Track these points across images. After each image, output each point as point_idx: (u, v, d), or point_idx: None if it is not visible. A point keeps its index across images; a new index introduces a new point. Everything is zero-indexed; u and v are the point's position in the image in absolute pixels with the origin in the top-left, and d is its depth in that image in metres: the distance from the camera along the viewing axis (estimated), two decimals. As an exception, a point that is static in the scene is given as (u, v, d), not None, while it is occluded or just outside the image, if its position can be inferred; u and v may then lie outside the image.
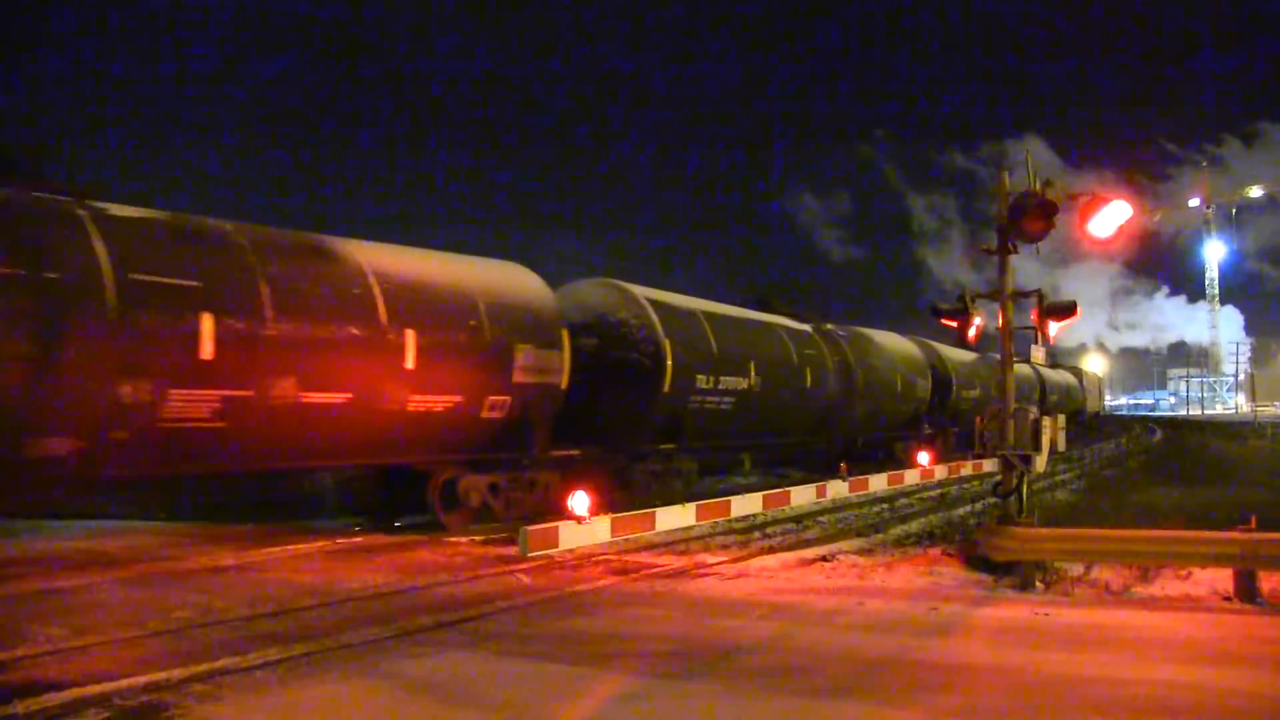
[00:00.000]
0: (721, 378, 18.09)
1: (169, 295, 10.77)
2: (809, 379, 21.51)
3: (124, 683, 6.34)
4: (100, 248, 10.43)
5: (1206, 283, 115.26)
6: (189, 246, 11.44)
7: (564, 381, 15.23)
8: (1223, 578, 9.38)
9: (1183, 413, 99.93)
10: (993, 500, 11.61)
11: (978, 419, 11.14)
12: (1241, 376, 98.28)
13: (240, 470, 12.84)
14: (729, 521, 14.76)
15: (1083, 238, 10.63)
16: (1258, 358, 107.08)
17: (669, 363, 16.57)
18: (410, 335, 12.95)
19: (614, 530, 12.55)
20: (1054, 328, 11.09)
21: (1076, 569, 10.16)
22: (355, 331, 12.39)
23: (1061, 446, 11.61)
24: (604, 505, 12.83)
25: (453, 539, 13.48)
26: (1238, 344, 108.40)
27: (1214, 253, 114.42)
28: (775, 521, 15.38)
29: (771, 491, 16.22)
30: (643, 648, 7.47)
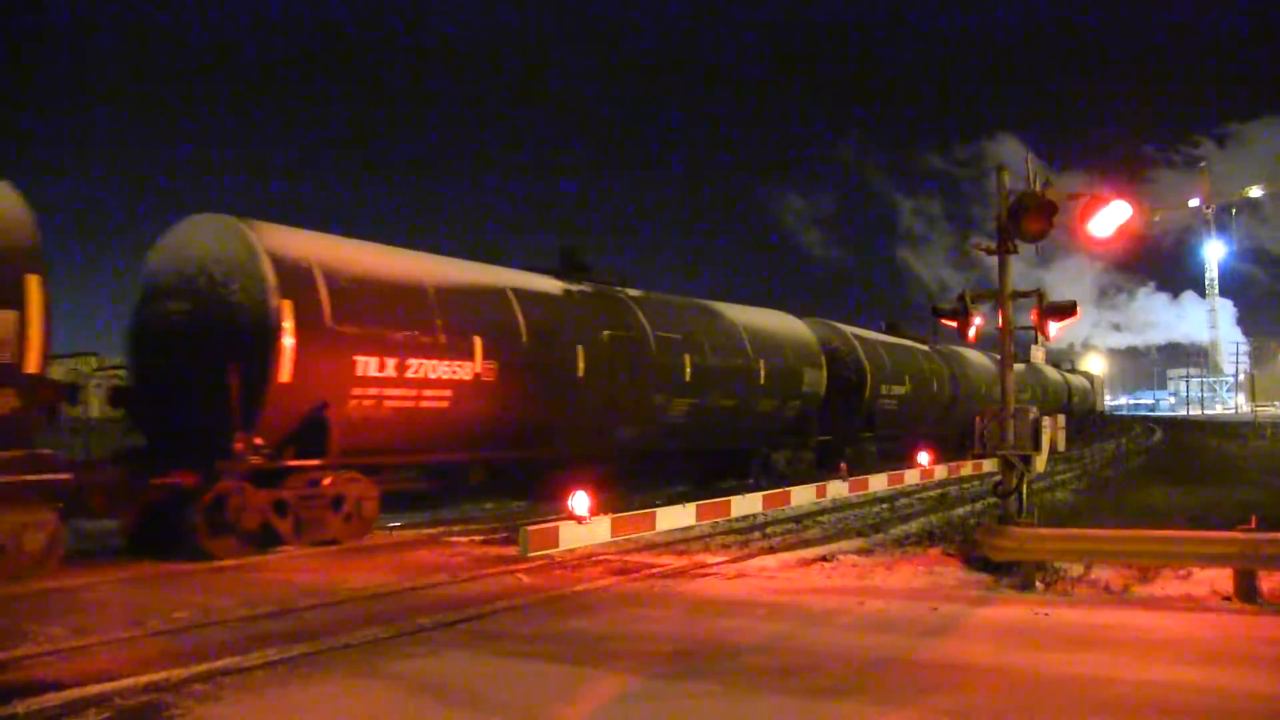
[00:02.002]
0: (892, 386, 26.78)
1: (671, 344, 18.58)
2: (934, 386, 30.09)
3: (124, 683, 6.34)
4: (641, 317, 18.20)
5: (1206, 283, 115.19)
6: (671, 312, 19.46)
7: (823, 391, 23.54)
8: (1223, 578, 9.37)
9: (1182, 413, 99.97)
10: (993, 500, 11.61)
11: (977, 418, 11.13)
12: (1241, 376, 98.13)
13: (694, 449, 20.68)
14: (729, 521, 14.79)
15: (1083, 238, 10.62)
16: (1257, 357, 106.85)
17: (869, 377, 25.27)
18: (761, 364, 21.09)
19: (614, 530, 12.59)
20: (1054, 328, 11.09)
21: (1076, 569, 10.13)
22: (738, 362, 20.54)
23: (1061, 446, 11.61)
24: (848, 471, 19.38)
25: (453, 539, 13.50)
26: (1238, 344, 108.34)
27: (1214, 253, 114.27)
28: (775, 521, 15.39)
29: (771, 491, 16.42)
30: (643, 648, 7.47)
